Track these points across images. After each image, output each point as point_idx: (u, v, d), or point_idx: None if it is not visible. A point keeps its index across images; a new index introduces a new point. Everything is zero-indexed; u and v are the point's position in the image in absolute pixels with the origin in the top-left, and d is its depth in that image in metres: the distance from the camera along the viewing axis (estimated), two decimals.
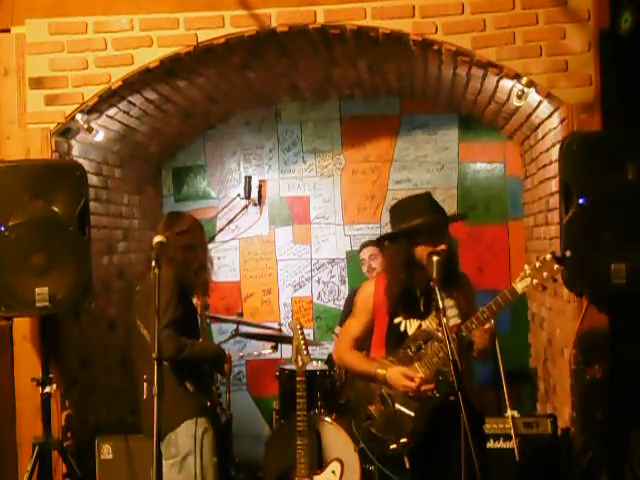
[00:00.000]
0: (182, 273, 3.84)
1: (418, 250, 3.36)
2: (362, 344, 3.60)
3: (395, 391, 3.36)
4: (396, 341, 3.44)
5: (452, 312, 3.21)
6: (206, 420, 3.77)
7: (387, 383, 3.36)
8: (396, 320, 3.44)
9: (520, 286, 3.17)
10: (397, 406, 3.37)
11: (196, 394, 3.76)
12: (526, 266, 3.19)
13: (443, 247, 3.32)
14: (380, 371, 3.38)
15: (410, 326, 3.42)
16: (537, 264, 3.16)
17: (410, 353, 3.38)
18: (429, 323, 3.39)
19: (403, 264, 3.40)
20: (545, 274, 3.14)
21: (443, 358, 3.20)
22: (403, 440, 3.33)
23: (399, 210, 3.51)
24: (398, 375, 3.32)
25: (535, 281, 3.15)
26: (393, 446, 3.35)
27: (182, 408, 3.65)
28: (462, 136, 5.84)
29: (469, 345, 3.28)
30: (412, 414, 3.33)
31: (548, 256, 3.15)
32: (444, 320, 2.99)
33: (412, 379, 3.29)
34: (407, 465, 3.34)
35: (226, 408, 5.19)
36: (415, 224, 3.35)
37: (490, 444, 3.96)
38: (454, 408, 2.88)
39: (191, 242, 3.92)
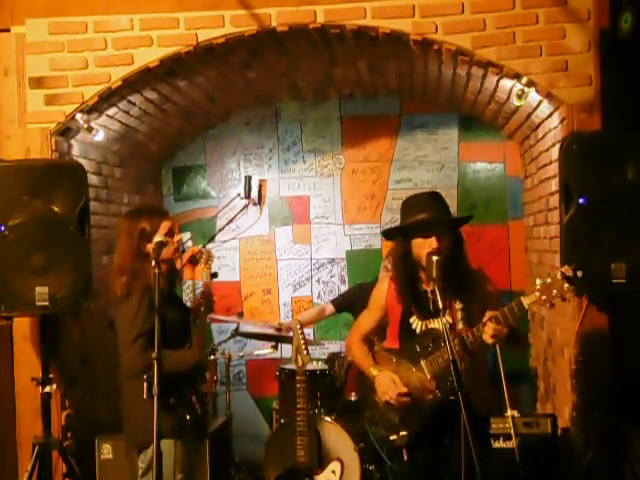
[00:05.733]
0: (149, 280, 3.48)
1: (414, 245, 3.37)
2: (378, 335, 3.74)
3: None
4: (407, 337, 3.45)
5: (459, 315, 3.22)
6: (182, 442, 3.58)
7: (375, 383, 3.44)
8: (407, 317, 3.45)
9: (527, 301, 3.11)
10: None
11: (175, 407, 3.56)
12: (538, 280, 3.10)
13: (433, 242, 3.29)
14: (372, 371, 3.48)
15: (419, 324, 3.42)
16: (548, 280, 3.08)
17: (418, 350, 3.37)
18: (437, 322, 3.38)
19: (400, 259, 3.45)
20: (554, 292, 3.06)
21: (448, 360, 3.12)
22: (403, 433, 3.37)
23: (403, 207, 3.52)
24: (387, 381, 3.39)
25: (544, 297, 3.08)
26: (393, 437, 3.39)
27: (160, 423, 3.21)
28: (462, 136, 5.83)
29: (480, 345, 3.23)
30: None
31: (559, 274, 3.06)
32: (444, 320, 3.01)
33: (395, 387, 3.34)
34: (405, 457, 3.39)
35: (226, 408, 5.20)
36: (408, 221, 3.39)
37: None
38: (453, 408, 2.94)
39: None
